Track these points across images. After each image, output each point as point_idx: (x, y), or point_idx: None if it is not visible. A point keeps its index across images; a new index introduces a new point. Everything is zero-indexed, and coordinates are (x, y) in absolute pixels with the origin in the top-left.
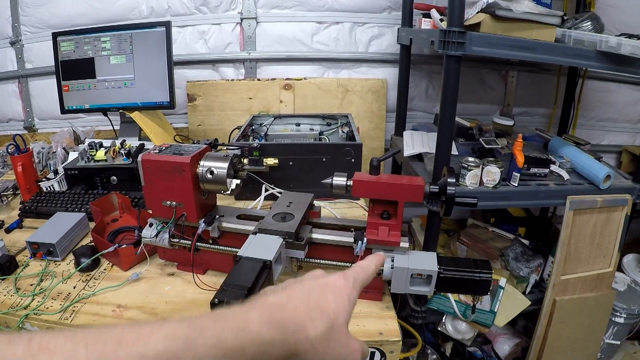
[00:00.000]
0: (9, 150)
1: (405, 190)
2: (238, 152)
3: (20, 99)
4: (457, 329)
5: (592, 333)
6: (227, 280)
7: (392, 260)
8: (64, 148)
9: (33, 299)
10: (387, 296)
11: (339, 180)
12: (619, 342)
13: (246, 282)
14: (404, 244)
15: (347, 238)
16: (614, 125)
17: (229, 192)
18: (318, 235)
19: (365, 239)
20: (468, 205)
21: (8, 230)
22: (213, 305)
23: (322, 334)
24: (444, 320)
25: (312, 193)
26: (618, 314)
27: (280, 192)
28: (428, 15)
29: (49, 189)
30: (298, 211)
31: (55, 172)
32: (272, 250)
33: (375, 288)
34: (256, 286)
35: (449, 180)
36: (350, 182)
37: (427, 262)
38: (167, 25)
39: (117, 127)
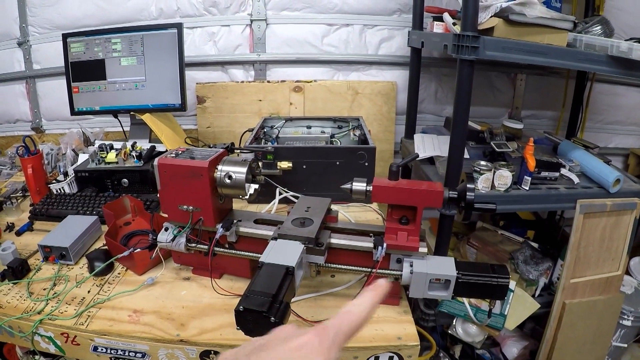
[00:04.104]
0: (19, 152)
1: (425, 195)
2: (252, 155)
3: (28, 100)
4: (467, 331)
5: (600, 336)
6: (251, 287)
7: (411, 265)
8: (73, 150)
9: (47, 304)
10: (405, 300)
11: (359, 185)
12: (625, 345)
13: (270, 289)
14: (423, 249)
15: (366, 243)
16: (621, 128)
17: (247, 196)
18: (337, 241)
19: (385, 244)
20: (487, 210)
21: (19, 233)
22: (238, 312)
23: None
24: (454, 323)
25: (326, 197)
26: (625, 316)
27: (294, 196)
28: (439, 19)
29: (59, 191)
30: (317, 216)
31: (65, 174)
32: (294, 256)
33: (393, 293)
34: (280, 292)
35: (468, 186)
36: (370, 188)
37: (446, 267)
38: (179, 27)
39: (126, 129)
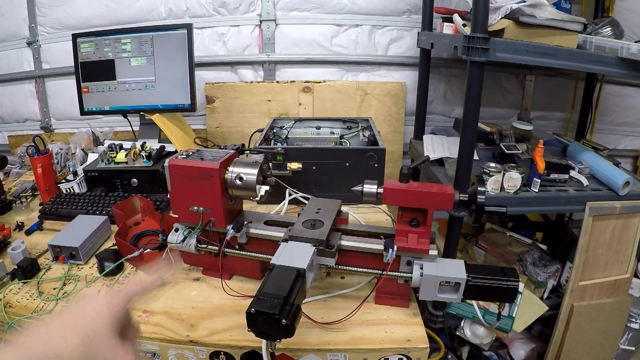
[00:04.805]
0: (29, 152)
1: (436, 198)
2: (263, 157)
3: (37, 99)
4: (475, 333)
5: (608, 339)
6: (262, 289)
7: (421, 268)
8: (82, 149)
9: (57, 303)
10: (414, 303)
11: (370, 187)
12: (633, 348)
13: (281, 291)
14: (433, 251)
15: (377, 245)
16: (630, 130)
17: (257, 198)
18: (348, 243)
19: (395, 247)
20: (497, 213)
21: (28, 232)
22: (249, 315)
23: (76, 345)
24: (462, 325)
25: (335, 198)
26: (634, 319)
27: (303, 197)
28: (449, 20)
29: (68, 190)
30: (327, 218)
31: (75, 174)
32: (305, 258)
33: (403, 295)
34: (291, 295)
35: (479, 189)
36: (380, 190)
37: (456, 269)
38: (189, 27)
39: (136, 129)
